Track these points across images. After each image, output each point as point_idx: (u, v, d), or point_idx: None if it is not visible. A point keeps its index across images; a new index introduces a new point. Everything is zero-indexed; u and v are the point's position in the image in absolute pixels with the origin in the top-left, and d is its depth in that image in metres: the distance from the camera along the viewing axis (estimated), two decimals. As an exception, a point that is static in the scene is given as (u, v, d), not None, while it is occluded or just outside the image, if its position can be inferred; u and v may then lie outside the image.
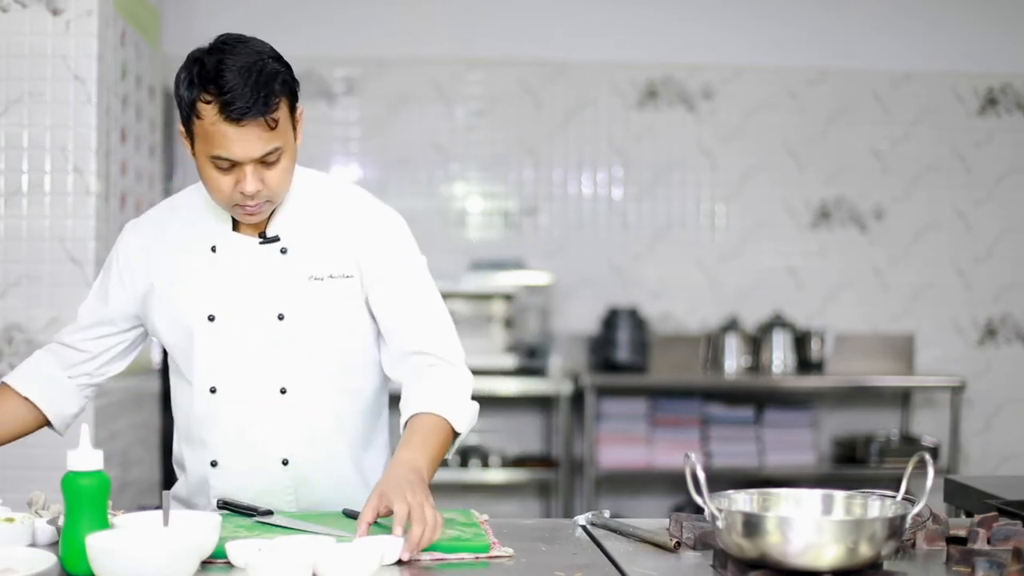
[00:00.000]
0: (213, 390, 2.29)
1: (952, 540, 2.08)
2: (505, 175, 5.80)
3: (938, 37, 5.91)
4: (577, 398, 5.46)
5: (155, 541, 1.79)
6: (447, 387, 2.26)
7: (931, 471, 1.84)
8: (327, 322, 2.28)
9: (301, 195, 2.31)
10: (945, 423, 5.65)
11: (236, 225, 2.29)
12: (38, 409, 2.36)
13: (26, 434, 2.39)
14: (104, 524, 1.86)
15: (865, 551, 1.76)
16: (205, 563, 1.87)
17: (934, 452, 5.48)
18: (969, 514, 2.56)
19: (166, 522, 1.90)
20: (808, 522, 1.77)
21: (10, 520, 1.99)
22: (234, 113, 2.07)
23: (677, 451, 5.34)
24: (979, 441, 5.92)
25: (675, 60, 5.80)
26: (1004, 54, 5.93)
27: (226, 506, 2.27)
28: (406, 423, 2.21)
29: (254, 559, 1.76)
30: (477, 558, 1.98)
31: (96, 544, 1.73)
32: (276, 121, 2.11)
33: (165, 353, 2.46)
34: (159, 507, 1.95)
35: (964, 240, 5.93)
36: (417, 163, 5.76)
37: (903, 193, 5.90)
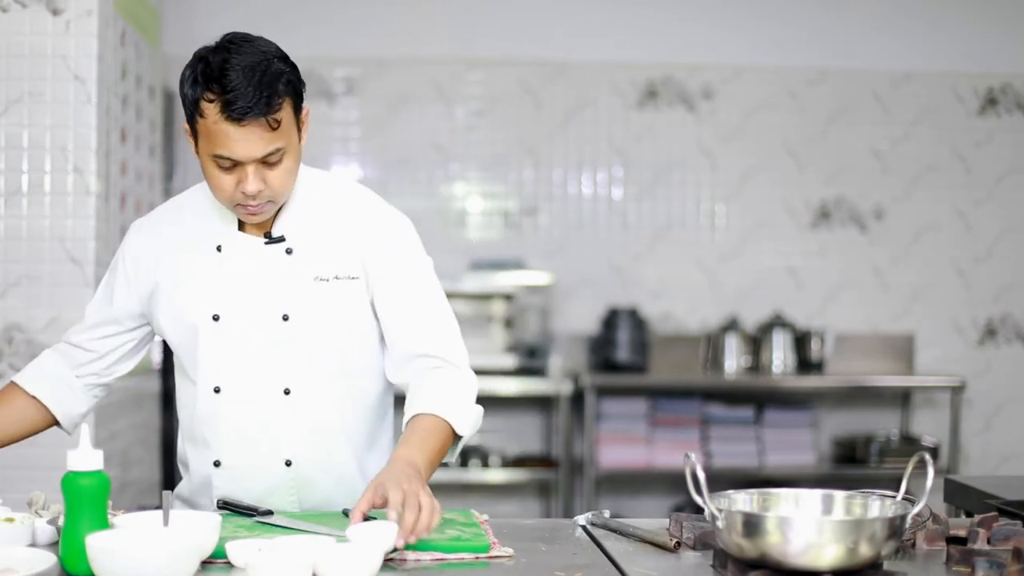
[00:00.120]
0: (217, 390, 2.29)
1: (952, 540, 2.08)
2: (505, 175, 5.80)
3: (938, 37, 5.91)
4: (577, 398, 5.46)
5: (155, 541, 1.79)
6: (450, 389, 2.26)
7: (931, 471, 1.84)
8: (332, 323, 2.28)
9: (307, 195, 2.31)
10: (945, 423, 5.65)
11: (242, 225, 2.29)
12: (46, 409, 2.37)
13: (35, 433, 2.39)
14: (104, 524, 1.86)
15: (865, 551, 1.76)
16: (205, 563, 1.87)
17: (934, 452, 5.48)
18: (969, 514, 2.56)
19: (166, 522, 1.91)
20: (808, 522, 1.77)
21: (10, 520, 1.99)
22: (235, 112, 2.07)
23: (677, 451, 5.34)
24: (979, 441, 5.92)
25: (675, 60, 5.80)
26: (1004, 54, 5.93)
27: (226, 506, 2.27)
28: (407, 424, 2.21)
29: (254, 559, 1.76)
30: (477, 558, 1.98)
31: (96, 544, 1.73)
32: (278, 121, 2.11)
33: (167, 353, 2.47)
34: (159, 507, 1.95)
35: (964, 240, 5.93)
36: (417, 163, 5.76)
37: (903, 193, 5.91)
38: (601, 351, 5.57)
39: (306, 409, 2.28)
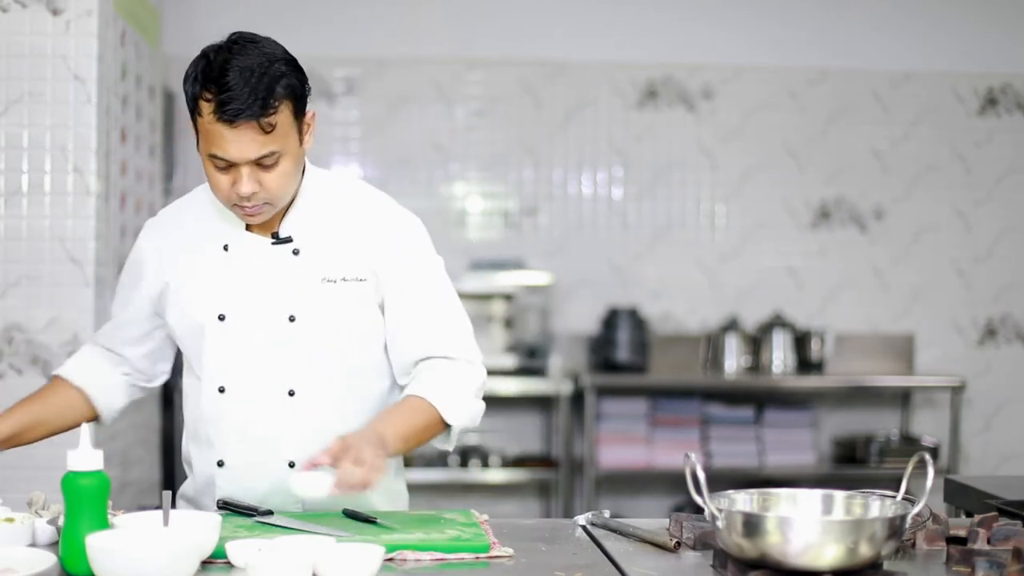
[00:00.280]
0: (222, 389, 2.29)
1: (952, 540, 2.08)
2: (505, 175, 5.80)
3: (938, 37, 5.91)
4: (577, 398, 5.46)
5: (155, 541, 1.79)
6: (445, 378, 2.28)
7: (931, 471, 1.85)
8: (338, 325, 2.28)
9: (316, 196, 2.31)
10: (945, 423, 5.64)
11: (249, 224, 2.29)
12: (91, 402, 2.39)
13: (78, 425, 2.40)
14: (104, 524, 1.86)
15: (865, 551, 1.76)
16: (205, 563, 1.87)
17: (934, 452, 5.48)
18: (969, 514, 2.56)
19: (166, 522, 1.91)
20: (808, 522, 1.77)
21: (10, 520, 1.99)
22: (227, 114, 2.07)
23: (677, 451, 5.34)
24: (979, 441, 5.92)
25: (675, 60, 5.80)
26: (1004, 54, 5.93)
27: (226, 506, 2.27)
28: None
29: (254, 559, 1.76)
30: (477, 558, 1.98)
31: (96, 544, 1.73)
32: (272, 125, 2.10)
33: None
34: (159, 507, 1.95)
35: (964, 240, 5.93)
36: (417, 163, 5.76)
37: (903, 193, 5.91)
38: (601, 351, 5.57)
39: (310, 410, 2.28)
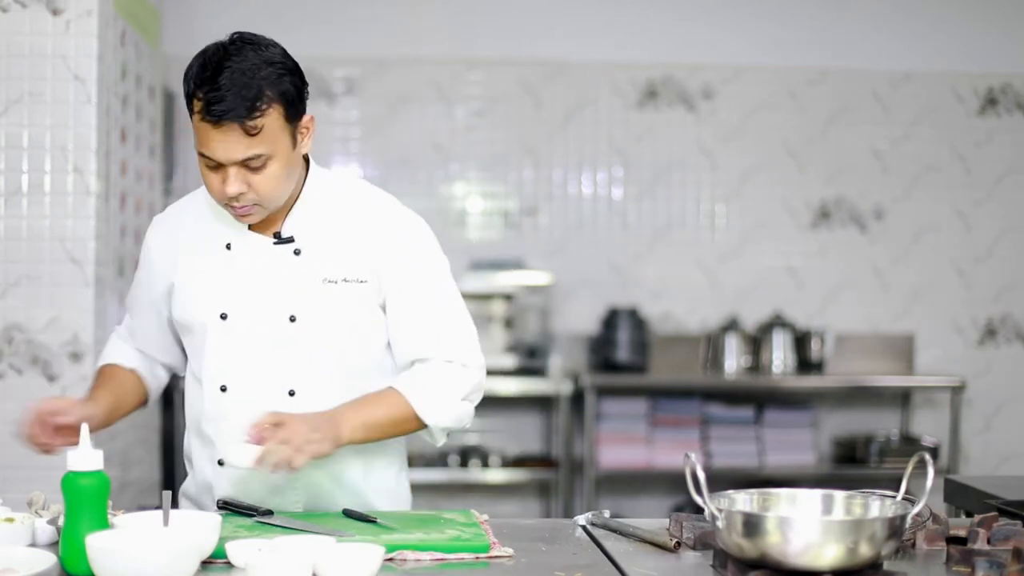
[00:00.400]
0: (223, 388, 2.29)
1: (952, 540, 2.08)
2: (505, 175, 5.80)
3: (938, 37, 5.91)
4: (577, 398, 5.46)
5: (155, 541, 1.79)
6: (428, 377, 2.28)
7: (931, 471, 1.85)
8: (338, 325, 2.28)
9: (319, 196, 2.31)
10: (945, 423, 5.64)
11: (251, 224, 2.29)
12: (143, 382, 2.44)
13: (136, 409, 2.47)
14: (104, 524, 1.86)
15: (865, 551, 1.76)
16: (205, 563, 1.87)
17: (934, 452, 5.48)
18: (969, 514, 2.56)
19: (166, 522, 1.91)
20: (808, 522, 1.77)
21: (10, 520, 1.99)
22: (212, 114, 2.09)
23: (677, 451, 5.34)
24: (979, 441, 5.92)
25: (675, 60, 5.80)
26: (1004, 54, 5.93)
27: (226, 506, 2.27)
28: None
29: (254, 559, 1.76)
30: (477, 558, 1.98)
31: (96, 544, 1.73)
32: (257, 128, 2.10)
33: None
34: (159, 507, 1.95)
35: (964, 240, 5.93)
36: (417, 163, 5.76)
37: (903, 193, 5.90)
38: (601, 351, 5.56)
39: (310, 410, 2.28)
